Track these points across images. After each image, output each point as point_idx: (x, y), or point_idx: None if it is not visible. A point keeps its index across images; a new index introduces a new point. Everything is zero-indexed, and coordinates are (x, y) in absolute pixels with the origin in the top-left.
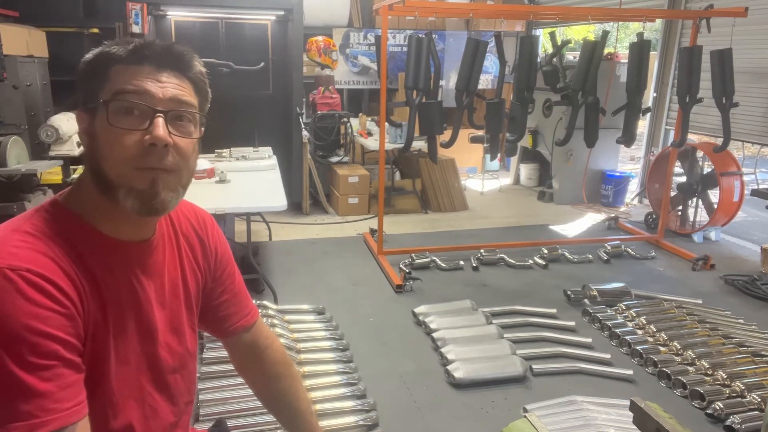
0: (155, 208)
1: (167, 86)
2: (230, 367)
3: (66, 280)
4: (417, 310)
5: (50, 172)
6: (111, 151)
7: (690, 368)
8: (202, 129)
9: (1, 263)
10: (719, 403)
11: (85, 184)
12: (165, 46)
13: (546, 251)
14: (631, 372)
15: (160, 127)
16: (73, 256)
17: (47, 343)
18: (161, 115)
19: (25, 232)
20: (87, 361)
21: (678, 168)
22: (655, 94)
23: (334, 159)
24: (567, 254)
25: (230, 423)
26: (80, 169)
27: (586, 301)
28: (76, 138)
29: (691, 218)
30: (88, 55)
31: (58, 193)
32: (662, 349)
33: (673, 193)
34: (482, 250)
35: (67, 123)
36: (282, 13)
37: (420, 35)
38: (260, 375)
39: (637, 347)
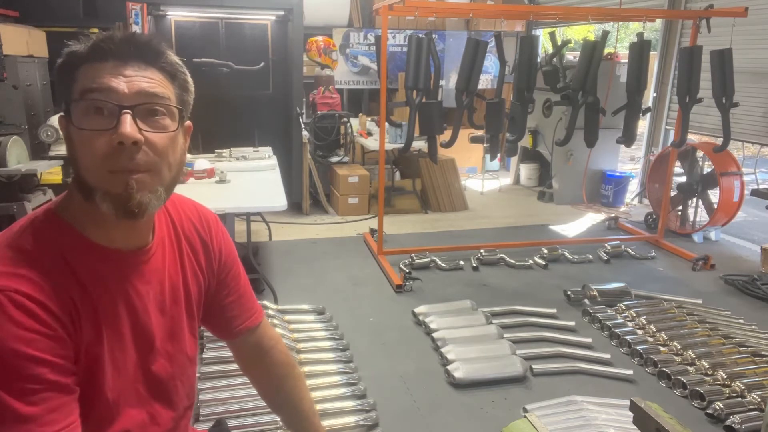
0: (132, 212)
1: (133, 80)
2: (230, 367)
3: (56, 300)
4: (417, 310)
5: (50, 172)
6: (84, 155)
7: (690, 368)
8: (188, 122)
9: None
10: (719, 403)
11: (74, 191)
12: (126, 38)
13: (546, 251)
14: (631, 372)
15: (127, 124)
16: (66, 272)
17: (33, 366)
18: (128, 111)
19: (18, 248)
20: (82, 375)
21: (678, 168)
22: (655, 94)
23: (334, 159)
24: (567, 254)
25: (230, 423)
26: None
27: (586, 301)
28: None
29: (691, 218)
30: (59, 59)
31: (53, 200)
32: (662, 349)
33: (673, 193)
34: (482, 250)
35: None
36: (282, 13)
37: (420, 35)
38: (264, 375)
39: (637, 347)
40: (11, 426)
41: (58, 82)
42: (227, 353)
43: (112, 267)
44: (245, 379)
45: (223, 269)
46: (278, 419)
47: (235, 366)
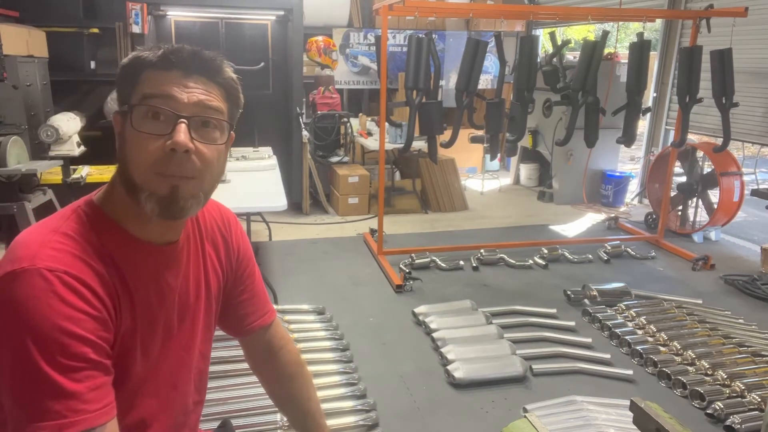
0: (174, 214)
1: (194, 91)
2: (231, 367)
3: (100, 284)
4: (417, 310)
5: (50, 172)
6: (136, 155)
7: (690, 368)
8: (233, 134)
9: (41, 264)
10: (719, 403)
11: (116, 185)
12: (193, 52)
13: (546, 251)
14: (631, 372)
15: (182, 132)
16: (107, 260)
17: (78, 345)
18: (184, 120)
19: (64, 233)
20: (114, 361)
21: (678, 168)
22: (655, 94)
23: (334, 159)
24: (567, 254)
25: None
26: (80, 168)
27: (586, 301)
28: (76, 138)
29: (691, 218)
30: (124, 60)
31: (94, 191)
32: (662, 349)
33: (673, 193)
34: (482, 250)
35: (67, 123)
36: (282, 13)
37: (420, 35)
38: (274, 375)
39: (637, 347)
40: (55, 401)
41: (120, 81)
42: (228, 353)
43: (147, 260)
44: (245, 379)
45: (239, 266)
46: (279, 419)
47: (235, 366)
